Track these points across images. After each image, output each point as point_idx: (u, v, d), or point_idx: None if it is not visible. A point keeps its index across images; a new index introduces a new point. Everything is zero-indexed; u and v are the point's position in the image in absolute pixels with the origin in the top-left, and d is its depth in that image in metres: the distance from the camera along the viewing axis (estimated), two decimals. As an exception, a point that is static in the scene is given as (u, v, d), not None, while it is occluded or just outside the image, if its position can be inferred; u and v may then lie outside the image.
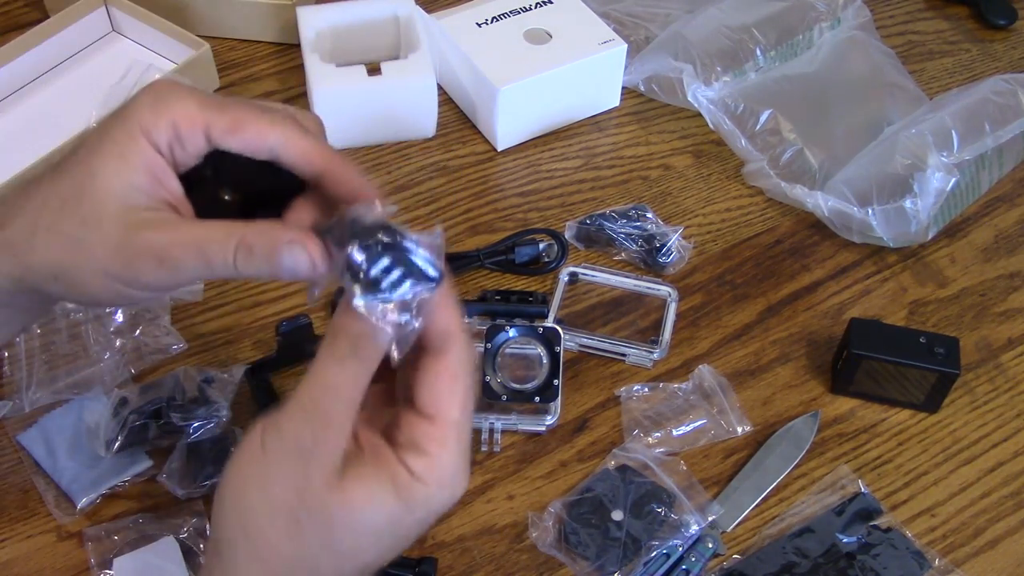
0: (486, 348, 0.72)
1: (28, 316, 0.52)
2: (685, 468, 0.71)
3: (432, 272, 0.43)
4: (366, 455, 0.44)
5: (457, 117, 0.95)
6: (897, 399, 0.75)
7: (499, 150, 0.92)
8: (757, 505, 0.70)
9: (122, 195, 0.46)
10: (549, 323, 0.76)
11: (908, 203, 0.81)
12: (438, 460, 0.44)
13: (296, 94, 0.95)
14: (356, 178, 0.47)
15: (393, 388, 0.48)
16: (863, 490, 0.71)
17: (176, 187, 0.47)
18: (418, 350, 0.45)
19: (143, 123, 0.46)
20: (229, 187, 0.49)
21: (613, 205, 0.87)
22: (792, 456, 0.72)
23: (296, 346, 0.74)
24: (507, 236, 0.84)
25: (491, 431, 0.72)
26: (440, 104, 0.91)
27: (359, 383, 0.43)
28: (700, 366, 0.76)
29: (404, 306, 0.43)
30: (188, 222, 0.47)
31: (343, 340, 0.43)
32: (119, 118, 0.46)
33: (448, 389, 0.45)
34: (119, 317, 0.75)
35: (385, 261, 0.42)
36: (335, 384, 0.43)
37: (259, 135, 0.47)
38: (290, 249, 0.44)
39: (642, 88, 0.96)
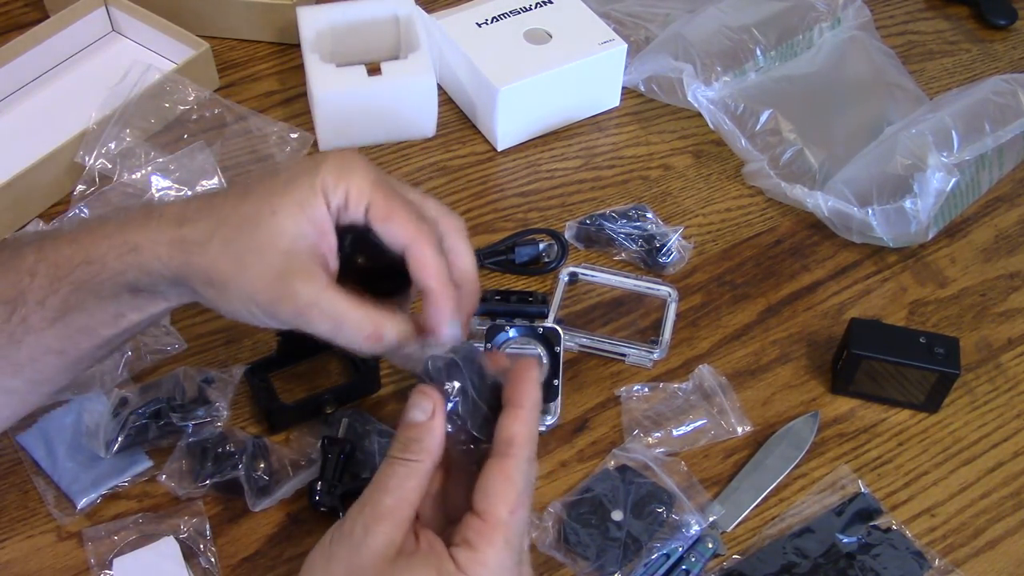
0: (486, 348, 0.72)
1: (165, 308, 0.57)
2: (685, 468, 0.71)
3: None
4: (421, 548, 0.50)
5: (457, 117, 0.95)
6: (897, 399, 0.75)
7: (499, 150, 0.92)
8: (757, 505, 0.70)
9: (292, 237, 0.51)
10: (549, 323, 0.76)
11: (908, 203, 0.81)
12: (483, 555, 0.48)
13: (296, 94, 0.96)
14: (442, 314, 0.53)
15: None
16: (863, 490, 0.71)
17: (333, 242, 0.53)
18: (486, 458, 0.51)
19: (325, 184, 0.52)
20: (365, 256, 0.55)
21: (613, 205, 0.87)
22: (792, 456, 0.72)
23: (296, 346, 0.74)
24: (507, 236, 0.84)
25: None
26: (440, 104, 0.91)
27: (407, 481, 0.50)
28: (700, 366, 0.76)
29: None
30: (335, 291, 0.52)
31: (396, 442, 0.51)
32: (307, 172, 0.52)
33: (500, 490, 0.49)
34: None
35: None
36: (385, 481, 0.50)
37: (399, 234, 0.53)
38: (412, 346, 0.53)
39: (642, 88, 0.96)
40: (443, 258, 0.54)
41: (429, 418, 0.51)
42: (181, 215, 0.54)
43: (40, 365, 0.56)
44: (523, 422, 0.51)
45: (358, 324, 0.52)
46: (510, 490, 0.49)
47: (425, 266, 0.53)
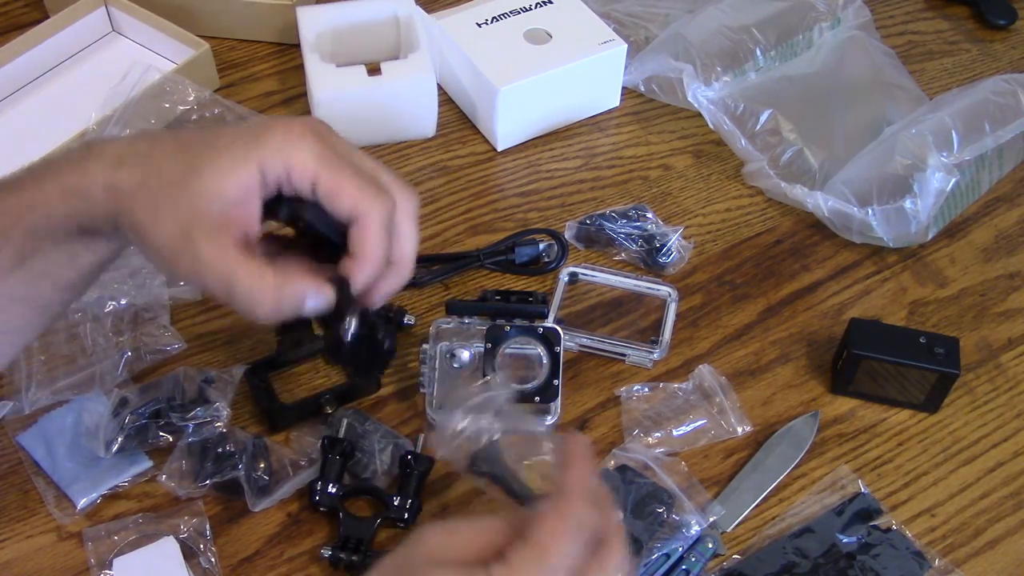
0: (486, 348, 0.72)
1: (115, 248, 0.58)
2: (686, 468, 0.71)
3: None
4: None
5: (457, 117, 0.95)
6: (897, 399, 0.75)
7: (499, 150, 0.92)
8: (757, 505, 0.70)
9: (208, 199, 0.52)
10: (549, 323, 0.76)
11: (908, 203, 0.81)
12: (515, 569, 0.46)
13: (296, 94, 0.95)
14: (352, 279, 0.54)
15: None
16: (863, 490, 0.71)
17: (254, 211, 0.53)
18: None
19: (262, 159, 0.52)
20: (307, 224, 0.55)
21: (613, 205, 0.87)
22: (792, 456, 0.72)
23: (296, 346, 0.74)
24: (507, 236, 0.84)
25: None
26: (440, 104, 0.91)
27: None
28: (700, 366, 0.76)
29: None
30: (235, 255, 0.52)
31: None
32: (247, 141, 0.53)
33: (546, 518, 0.47)
34: (120, 317, 0.75)
35: None
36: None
37: (346, 207, 0.53)
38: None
39: (642, 88, 0.96)
40: (384, 234, 0.54)
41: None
42: (119, 157, 0.54)
43: (8, 316, 0.57)
44: (579, 472, 0.49)
45: (250, 291, 0.52)
46: (556, 522, 0.47)
47: (363, 240, 0.53)
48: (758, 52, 0.94)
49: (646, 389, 0.75)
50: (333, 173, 0.53)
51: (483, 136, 0.93)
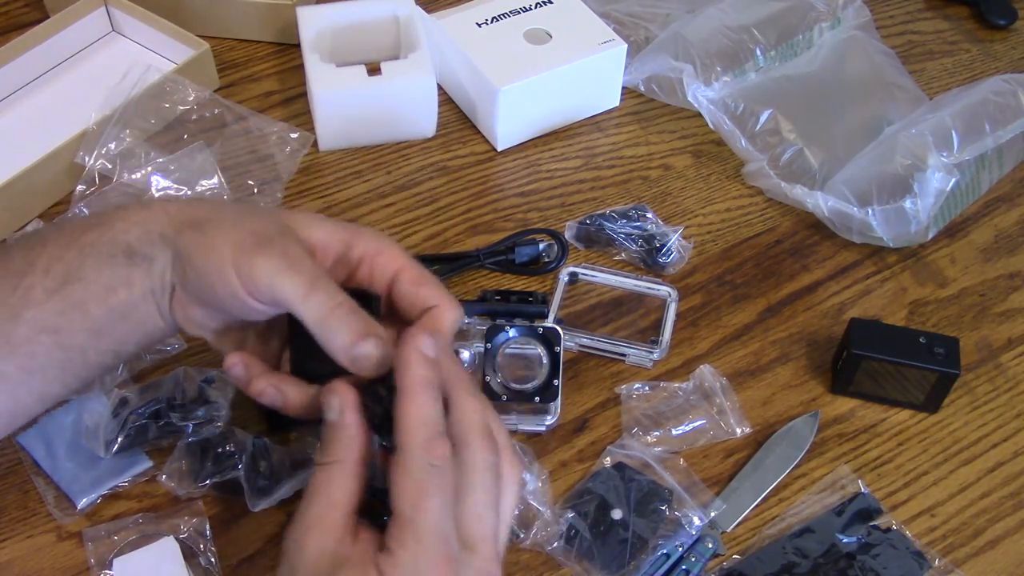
0: (486, 348, 0.72)
1: (152, 285, 0.56)
2: (685, 465, 0.71)
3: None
4: (352, 557, 0.47)
5: (457, 117, 0.95)
6: (897, 399, 0.75)
7: (499, 150, 0.92)
8: (757, 505, 0.70)
9: (298, 229, 0.54)
10: (549, 323, 0.76)
11: (908, 203, 0.81)
12: (396, 557, 0.46)
13: (296, 94, 0.96)
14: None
15: None
16: (863, 490, 0.71)
17: (327, 265, 0.55)
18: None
19: (356, 232, 0.55)
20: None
21: (613, 205, 0.87)
22: (792, 456, 0.72)
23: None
24: (507, 236, 0.84)
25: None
26: (440, 104, 0.91)
27: (330, 486, 0.48)
28: (701, 366, 0.76)
29: None
30: (302, 259, 0.52)
31: (319, 448, 0.50)
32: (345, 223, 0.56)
33: (398, 484, 0.47)
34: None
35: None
36: (309, 490, 0.49)
37: (430, 295, 0.54)
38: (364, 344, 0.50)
39: (642, 88, 0.96)
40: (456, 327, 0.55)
41: (339, 416, 0.49)
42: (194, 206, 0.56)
43: (34, 348, 0.56)
44: (407, 404, 0.48)
45: (334, 307, 0.50)
46: (408, 483, 0.47)
47: (443, 318, 0.54)
48: (758, 52, 0.94)
49: (646, 388, 0.75)
50: (418, 268, 0.55)
51: (483, 136, 0.93)
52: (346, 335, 0.50)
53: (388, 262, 0.55)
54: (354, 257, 0.55)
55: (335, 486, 0.48)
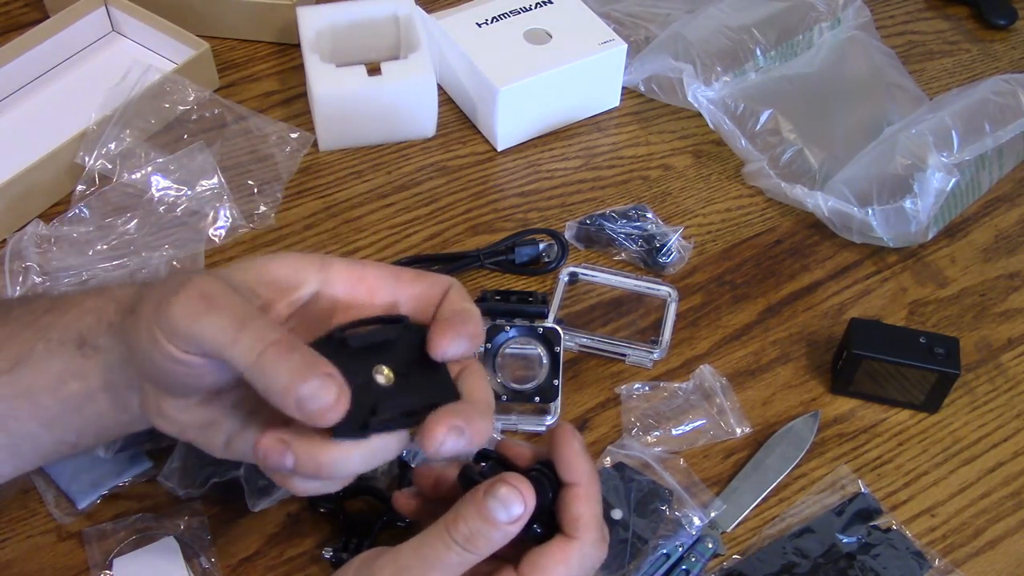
0: (486, 348, 0.72)
1: (100, 382, 0.52)
2: (685, 465, 0.71)
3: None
4: None
5: (457, 117, 0.95)
6: (897, 399, 0.75)
7: (499, 150, 0.92)
8: (757, 505, 0.70)
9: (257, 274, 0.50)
10: (549, 323, 0.76)
11: (908, 203, 0.81)
12: None
13: (296, 94, 0.96)
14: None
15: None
16: (863, 490, 0.71)
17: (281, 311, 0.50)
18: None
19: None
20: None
21: (613, 205, 0.87)
22: (792, 456, 0.72)
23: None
24: (507, 236, 0.84)
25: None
26: (440, 104, 0.91)
27: (458, 569, 0.46)
28: (701, 366, 0.76)
29: None
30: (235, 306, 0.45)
31: (463, 526, 0.46)
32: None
33: (553, 571, 0.47)
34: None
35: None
36: (434, 562, 0.46)
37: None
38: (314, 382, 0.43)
39: (642, 88, 0.96)
40: None
41: (512, 522, 0.46)
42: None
43: None
44: (586, 500, 0.48)
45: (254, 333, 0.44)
46: (563, 573, 0.47)
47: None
48: (758, 52, 0.94)
49: (646, 388, 0.75)
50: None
51: (483, 136, 0.93)
52: (284, 376, 0.42)
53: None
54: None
55: (461, 570, 0.46)
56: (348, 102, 0.88)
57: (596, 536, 0.48)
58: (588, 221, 0.84)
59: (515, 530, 0.46)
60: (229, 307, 0.45)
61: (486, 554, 0.46)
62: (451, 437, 0.45)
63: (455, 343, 0.49)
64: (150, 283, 0.51)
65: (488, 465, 0.50)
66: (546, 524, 0.49)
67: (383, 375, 0.47)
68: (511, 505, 0.45)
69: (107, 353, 0.51)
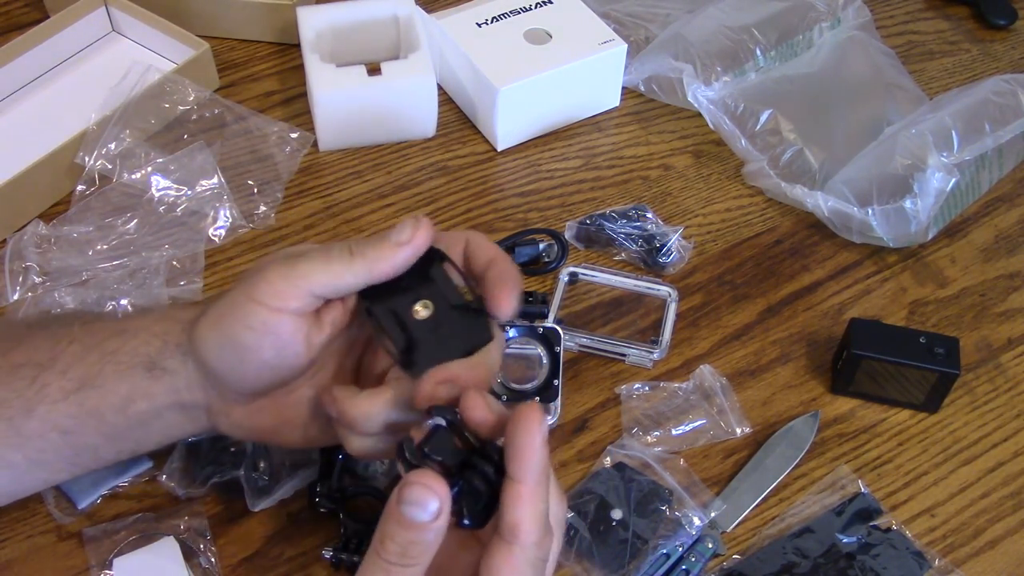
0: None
1: (170, 400, 0.56)
2: (685, 465, 0.71)
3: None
4: None
5: (457, 117, 0.95)
6: (897, 399, 0.75)
7: (499, 150, 0.92)
8: (757, 505, 0.70)
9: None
10: (549, 323, 0.76)
11: (908, 203, 0.81)
12: None
13: (296, 94, 0.96)
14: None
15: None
16: (863, 490, 0.71)
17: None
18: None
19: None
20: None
21: (613, 205, 0.87)
22: (792, 456, 0.72)
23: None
24: (507, 236, 0.84)
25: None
26: (440, 104, 0.91)
27: None
28: (701, 366, 0.76)
29: None
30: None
31: (390, 544, 0.44)
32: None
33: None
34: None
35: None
36: None
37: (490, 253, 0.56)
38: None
39: (642, 88, 0.96)
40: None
41: (432, 519, 0.43)
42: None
43: (44, 443, 0.55)
44: (526, 503, 0.44)
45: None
46: None
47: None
48: (758, 52, 0.94)
49: (646, 388, 0.75)
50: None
51: (483, 136, 0.93)
52: (393, 235, 0.52)
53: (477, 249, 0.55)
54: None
55: None
56: (348, 102, 0.88)
57: (536, 539, 0.44)
58: (588, 221, 0.84)
59: (442, 525, 0.44)
60: (313, 251, 0.52)
61: (428, 559, 0.44)
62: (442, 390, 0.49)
63: (513, 299, 0.52)
64: (214, 297, 0.55)
65: (427, 446, 0.46)
66: (481, 514, 0.46)
67: (423, 308, 0.53)
68: (426, 503, 0.43)
69: (175, 375, 0.54)
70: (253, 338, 0.51)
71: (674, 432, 0.73)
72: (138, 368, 0.54)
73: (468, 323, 0.53)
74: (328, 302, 0.53)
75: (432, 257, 0.53)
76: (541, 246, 0.83)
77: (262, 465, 0.68)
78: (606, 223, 0.84)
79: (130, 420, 0.55)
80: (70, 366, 0.54)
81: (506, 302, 0.52)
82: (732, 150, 0.92)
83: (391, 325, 0.52)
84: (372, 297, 0.53)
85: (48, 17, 0.97)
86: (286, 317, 0.51)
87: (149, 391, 0.55)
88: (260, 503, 0.67)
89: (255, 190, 0.86)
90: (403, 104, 0.90)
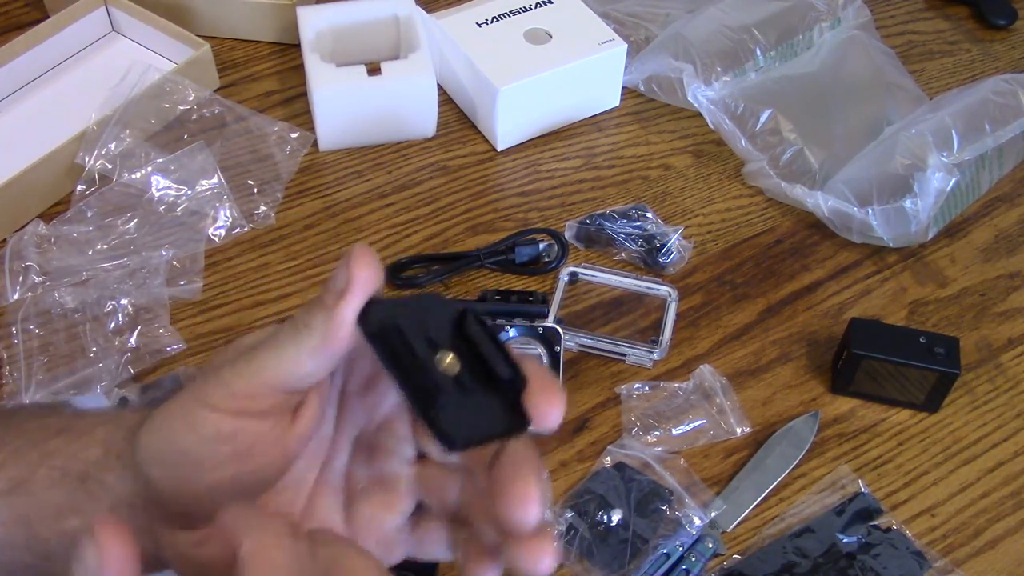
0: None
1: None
2: (685, 465, 0.71)
3: None
4: None
5: (457, 117, 0.95)
6: (897, 399, 0.75)
7: (499, 150, 0.92)
8: (757, 505, 0.70)
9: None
10: (549, 323, 0.76)
11: (908, 203, 0.81)
12: None
13: (296, 94, 0.96)
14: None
15: None
16: (863, 490, 0.71)
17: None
18: None
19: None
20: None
21: (613, 205, 0.87)
22: (792, 456, 0.72)
23: None
24: (507, 236, 0.84)
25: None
26: (440, 104, 0.91)
27: None
28: (701, 366, 0.76)
29: None
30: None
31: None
32: None
33: None
34: (120, 317, 0.75)
35: None
36: None
37: None
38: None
39: (642, 88, 0.96)
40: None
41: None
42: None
43: None
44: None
45: None
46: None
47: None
48: (758, 52, 0.94)
49: (646, 388, 0.75)
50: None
51: (483, 136, 0.93)
52: (330, 285, 0.39)
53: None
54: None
55: None
56: (348, 102, 0.88)
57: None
58: (588, 221, 0.84)
59: None
60: (266, 338, 0.41)
61: None
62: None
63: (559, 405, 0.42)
64: (157, 403, 0.45)
65: None
66: None
67: (448, 361, 0.40)
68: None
69: (111, 492, 0.45)
70: (207, 449, 0.41)
71: (674, 432, 0.73)
72: (71, 477, 0.45)
73: (502, 401, 0.41)
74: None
75: (465, 313, 0.41)
76: (541, 246, 0.83)
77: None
78: (606, 223, 0.84)
79: (63, 539, 0.46)
80: (6, 462, 0.46)
81: (551, 407, 0.41)
82: (732, 150, 0.92)
83: (406, 361, 0.39)
84: (386, 324, 0.39)
85: (48, 17, 0.97)
86: (250, 422, 0.41)
87: (79, 506, 0.45)
88: (260, 503, 0.67)
89: (255, 190, 0.86)
90: (403, 104, 0.90)
